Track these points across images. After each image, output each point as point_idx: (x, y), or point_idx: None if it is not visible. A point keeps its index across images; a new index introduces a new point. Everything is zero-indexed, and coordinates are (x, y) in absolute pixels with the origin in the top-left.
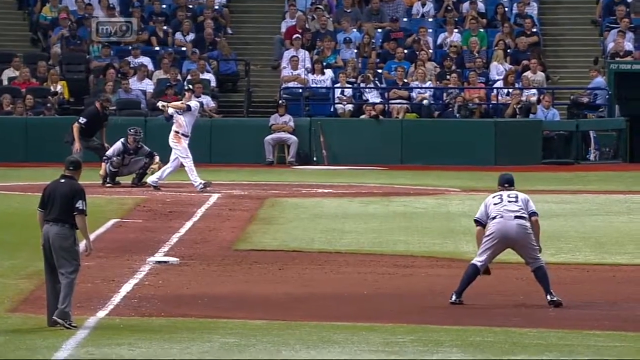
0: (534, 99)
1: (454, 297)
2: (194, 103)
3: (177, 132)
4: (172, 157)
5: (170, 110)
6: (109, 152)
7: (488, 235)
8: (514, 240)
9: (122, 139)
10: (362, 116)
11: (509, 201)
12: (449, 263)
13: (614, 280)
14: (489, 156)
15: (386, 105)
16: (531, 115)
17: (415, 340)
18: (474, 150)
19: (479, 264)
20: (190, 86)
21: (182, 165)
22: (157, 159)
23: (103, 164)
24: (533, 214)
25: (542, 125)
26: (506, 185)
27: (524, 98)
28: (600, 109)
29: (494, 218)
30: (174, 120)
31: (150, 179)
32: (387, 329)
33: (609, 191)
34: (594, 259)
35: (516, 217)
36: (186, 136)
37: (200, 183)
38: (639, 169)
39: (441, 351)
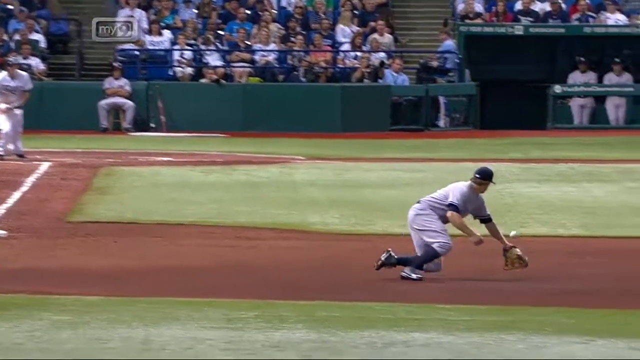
0: (382, 62)
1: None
2: None
3: None
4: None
5: None
6: None
7: None
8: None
9: None
10: (203, 80)
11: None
12: (294, 235)
13: (462, 252)
14: (336, 122)
15: (228, 68)
16: (379, 80)
17: (259, 316)
18: (319, 117)
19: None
20: None
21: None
22: None
23: None
24: (448, 206)
25: (391, 90)
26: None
27: (372, 62)
28: (450, 74)
29: None
30: None
31: None
32: (230, 305)
33: (460, 159)
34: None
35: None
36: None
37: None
38: (490, 136)
39: (285, 327)
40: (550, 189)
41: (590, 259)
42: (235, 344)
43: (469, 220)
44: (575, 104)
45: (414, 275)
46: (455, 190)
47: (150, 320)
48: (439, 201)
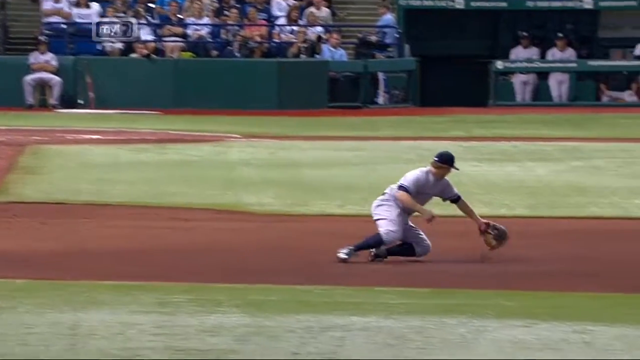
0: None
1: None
2: None
3: None
4: None
5: None
6: None
7: None
8: None
9: None
10: (133, 55)
11: None
12: (229, 216)
13: None
14: (271, 99)
15: (159, 43)
16: (316, 55)
17: (192, 300)
18: (255, 93)
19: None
20: None
21: None
22: None
23: None
24: (398, 187)
25: (328, 66)
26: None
27: (308, 36)
28: (390, 49)
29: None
30: None
31: None
32: (162, 288)
33: (400, 137)
34: None
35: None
36: None
37: None
38: (430, 113)
39: (220, 311)
40: (492, 168)
41: (534, 240)
42: (167, 328)
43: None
44: (517, 80)
45: (342, 253)
46: (408, 174)
47: (80, 304)
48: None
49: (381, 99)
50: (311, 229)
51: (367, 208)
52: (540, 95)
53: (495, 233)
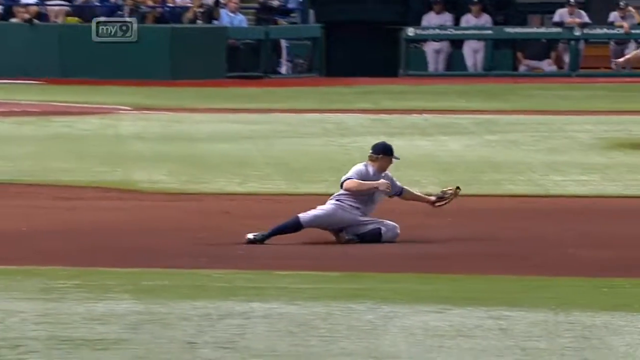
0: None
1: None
2: None
3: None
4: None
5: None
6: None
7: None
8: None
9: None
10: (13, 20)
11: None
12: (118, 194)
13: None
14: (165, 68)
15: (42, 6)
16: (214, 21)
17: (80, 286)
18: (147, 62)
19: None
20: None
21: None
22: None
23: None
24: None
25: (227, 32)
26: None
27: (205, 0)
28: (293, 14)
29: None
30: None
31: None
32: (46, 273)
33: (303, 109)
34: (286, 189)
35: None
36: None
37: None
38: (336, 84)
39: (109, 298)
40: (402, 143)
41: (447, 220)
42: (52, 316)
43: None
44: (429, 48)
45: (252, 235)
46: (351, 170)
47: None
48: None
49: (284, 68)
50: (208, 209)
51: (268, 186)
52: (454, 65)
53: (448, 200)
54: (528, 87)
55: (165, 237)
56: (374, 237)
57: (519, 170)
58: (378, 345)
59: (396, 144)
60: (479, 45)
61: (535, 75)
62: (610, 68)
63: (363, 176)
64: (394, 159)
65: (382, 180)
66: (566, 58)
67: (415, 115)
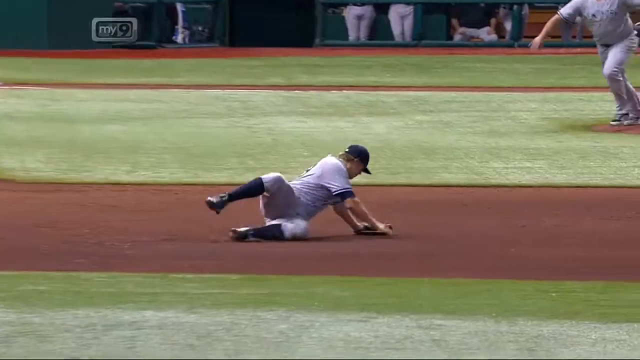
0: None
1: None
2: None
3: None
4: None
5: None
6: None
7: None
8: None
9: None
10: None
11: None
12: None
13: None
14: (41, 37)
15: None
16: None
17: None
18: (19, 29)
19: None
20: None
21: None
22: None
23: None
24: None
25: None
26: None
27: None
28: None
29: None
30: None
31: None
32: None
33: (203, 85)
34: (184, 178)
35: None
36: None
37: None
38: (242, 55)
39: None
40: (320, 124)
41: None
42: None
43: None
44: (350, 14)
45: (213, 198)
46: (328, 170)
47: None
48: (311, 185)
49: (180, 37)
50: (92, 201)
51: (163, 174)
52: (378, 33)
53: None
54: (464, 60)
55: (41, 235)
56: (275, 233)
57: (455, 156)
58: (292, 358)
59: (312, 125)
60: (407, 9)
61: (473, 45)
62: (559, 37)
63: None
64: (363, 172)
65: (388, 229)
66: (508, 26)
67: (334, 91)
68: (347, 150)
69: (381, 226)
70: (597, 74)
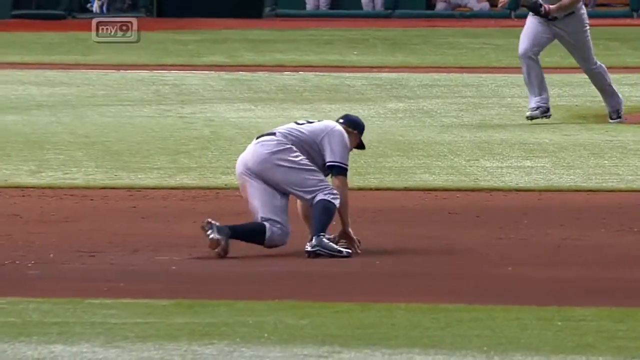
0: None
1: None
2: None
3: None
4: None
5: None
6: None
7: None
8: (251, 167)
9: None
10: None
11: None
12: None
13: (130, 214)
14: None
15: None
16: None
17: None
18: None
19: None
20: None
21: None
22: None
23: None
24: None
25: None
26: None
27: None
28: None
29: None
30: None
31: None
32: None
33: (125, 65)
34: (102, 180)
35: (259, 137)
36: None
37: None
38: (172, 28)
39: None
40: (270, 113)
41: (336, 225)
42: None
43: None
44: None
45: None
46: (334, 136)
47: None
48: (307, 136)
49: (96, 4)
50: None
51: (76, 175)
52: (343, 1)
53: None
54: (448, 34)
55: None
56: (255, 234)
57: (437, 153)
58: None
59: (261, 115)
60: None
61: (459, 16)
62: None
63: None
64: (357, 148)
65: (355, 243)
66: None
67: (288, 73)
68: (340, 121)
69: (347, 228)
70: (613, 51)
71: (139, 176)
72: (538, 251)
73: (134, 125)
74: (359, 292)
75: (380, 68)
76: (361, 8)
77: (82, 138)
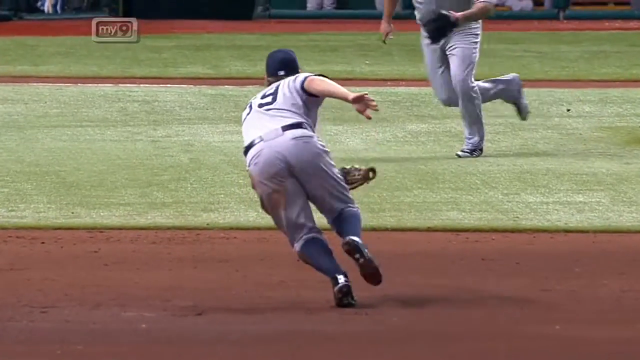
0: None
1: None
2: None
3: None
4: None
5: None
6: None
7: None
8: (294, 166)
9: None
10: None
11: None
12: None
13: (90, 260)
14: None
15: None
16: None
17: None
18: None
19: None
20: None
21: None
22: None
23: None
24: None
25: None
26: (280, 73)
27: None
28: None
29: (248, 148)
30: None
31: None
32: None
33: (86, 77)
34: (57, 218)
35: (285, 128)
36: None
37: None
38: (144, 32)
39: None
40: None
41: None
42: None
43: None
44: None
45: None
46: (291, 79)
47: None
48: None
49: (47, 4)
50: None
51: (24, 212)
52: (352, 0)
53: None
54: (481, 39)
55: None
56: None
57: (467, 185)
58: None
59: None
60: None
61: (495, 17)
62: (627, 4)
63: None
64: None
65: (357, 95)
66: None
67: None
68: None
69: (351, 95)
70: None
71: (102, 214)
72: (593, 306)
73: (95, 151)
74: (372, 357)
75: (397, 81)
76: (374, 7)
77: (32, 167)
